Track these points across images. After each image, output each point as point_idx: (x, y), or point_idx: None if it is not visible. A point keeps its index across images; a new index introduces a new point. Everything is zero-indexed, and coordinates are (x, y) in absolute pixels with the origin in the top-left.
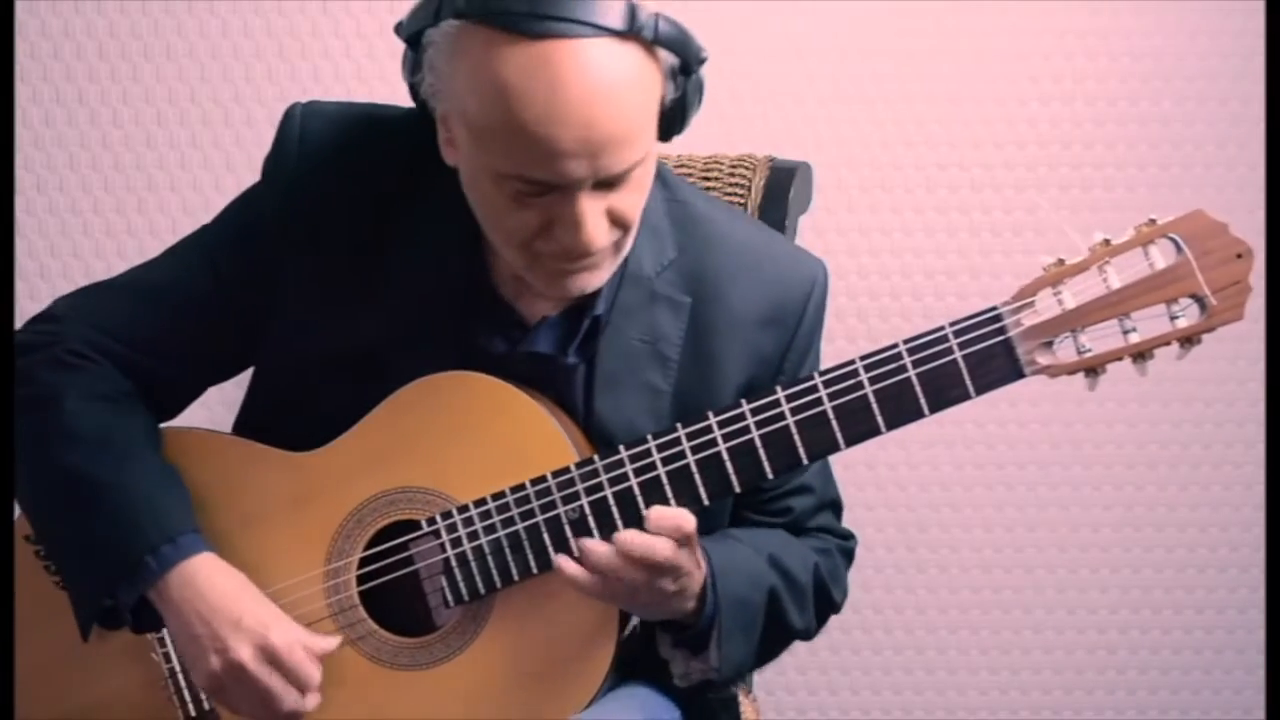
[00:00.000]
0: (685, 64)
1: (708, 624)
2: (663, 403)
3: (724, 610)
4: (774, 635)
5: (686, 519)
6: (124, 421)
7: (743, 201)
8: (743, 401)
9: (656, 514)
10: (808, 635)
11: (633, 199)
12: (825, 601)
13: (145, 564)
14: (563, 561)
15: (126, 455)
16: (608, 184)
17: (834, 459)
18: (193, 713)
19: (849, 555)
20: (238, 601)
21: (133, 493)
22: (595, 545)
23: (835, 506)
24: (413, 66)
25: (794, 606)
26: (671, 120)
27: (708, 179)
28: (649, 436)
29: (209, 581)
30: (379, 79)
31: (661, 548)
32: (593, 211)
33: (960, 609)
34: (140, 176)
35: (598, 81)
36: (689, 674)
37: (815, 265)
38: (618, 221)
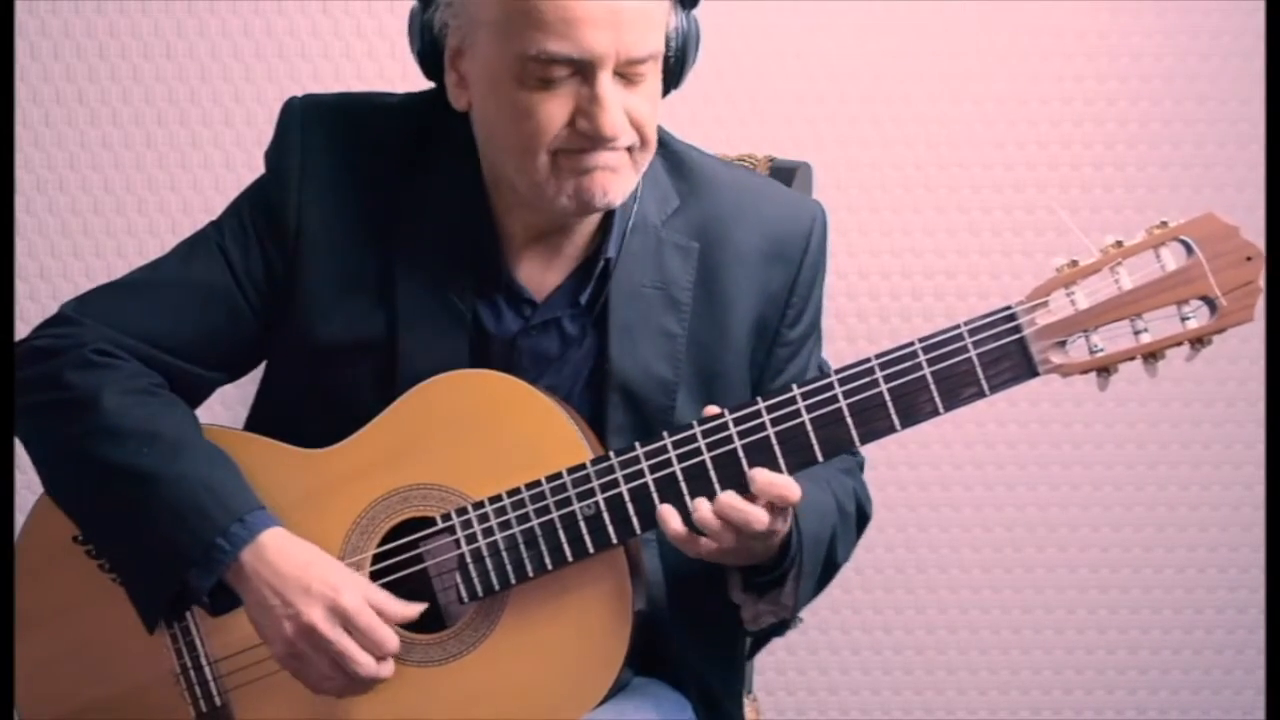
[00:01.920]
0: None
1: (790, 565)
2: (678, 346)
3: (805, 551)
4: (828, 569)
5: (792, 490)
6: (167, 412)
7: None
8: (759, 399)
9: (764, 480)
10: (842, 565)
11: (646, 105)
12: (862, 522)
13: (217, 546)
14: (666, 513)
15: (178, 445)
16: (625, 77)
17: None
18: (204, 709)
19: (862, 469)
20: (307, 568)
21: (191, 480)
22: (700, 504)
23: None
24: (422, 12)
25: (843, 540)
26: (670, 70)
27: None
28: (664, 434)
29: (279, 553)
30: (379, 79)
31: (758, 518)
32: (614, 98)
33: (960, 609)
34: (140, 176)
35: None
36: (759, 616)
37: (813, 204)
38: (633, 124)
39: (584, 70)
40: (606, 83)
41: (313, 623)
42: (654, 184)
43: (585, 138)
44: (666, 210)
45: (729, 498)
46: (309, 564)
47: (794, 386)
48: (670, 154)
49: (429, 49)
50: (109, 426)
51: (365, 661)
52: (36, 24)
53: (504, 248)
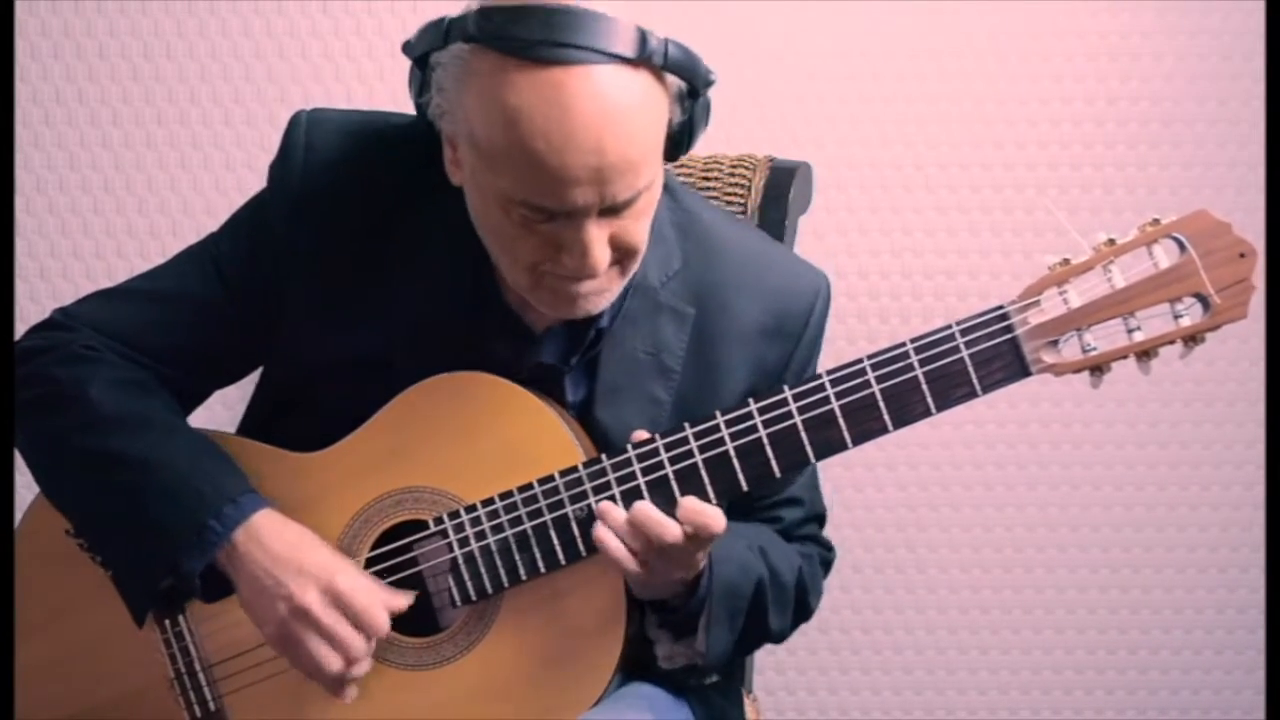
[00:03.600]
0: (693, 88)
1: (698, 608)
2: (663, 413)
3: (715, 597)
4: (753, 630)
5: (717, 521)
6: (155, 401)
7: (743, 201)
8: (750, 401)
9: (689, 507)
10: (780, 638)
11: (637, 226)
12: (801, 607)
13: (209, 528)
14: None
15: (167, 431)
16: (613, 210)
17: (832, 459)
18: (199, 713)
19: (828, 566)
20: (300, 549)
21: (181, 464)
22: (613, 510)
23: (821, 519)
24: (420, 86)
25: (775, 605)
26: (678, 142)
27: (708, 179)
28: (656, 436)
29: (272, 534)
30: (379, 79)
31: (672, 532)
32: (599, 238)
33: (960, 609)
34: (140, 176)
35: (608, 108)
36: (673, 657)
37: (819, 277)
38: (620, 248)
39: (568, 214)
40: (590, 228)
41: (307, 604)
42: (659, 241)
43: (567, 270)
44: (668, 271)
45: (644, 508)
46: (300, 545)
47: (785, 388)
48: (680, 210)
49: (425, 110)
50: (97, 416)
51: (357, 643)
52: (36, 24)
53: (501, 279)
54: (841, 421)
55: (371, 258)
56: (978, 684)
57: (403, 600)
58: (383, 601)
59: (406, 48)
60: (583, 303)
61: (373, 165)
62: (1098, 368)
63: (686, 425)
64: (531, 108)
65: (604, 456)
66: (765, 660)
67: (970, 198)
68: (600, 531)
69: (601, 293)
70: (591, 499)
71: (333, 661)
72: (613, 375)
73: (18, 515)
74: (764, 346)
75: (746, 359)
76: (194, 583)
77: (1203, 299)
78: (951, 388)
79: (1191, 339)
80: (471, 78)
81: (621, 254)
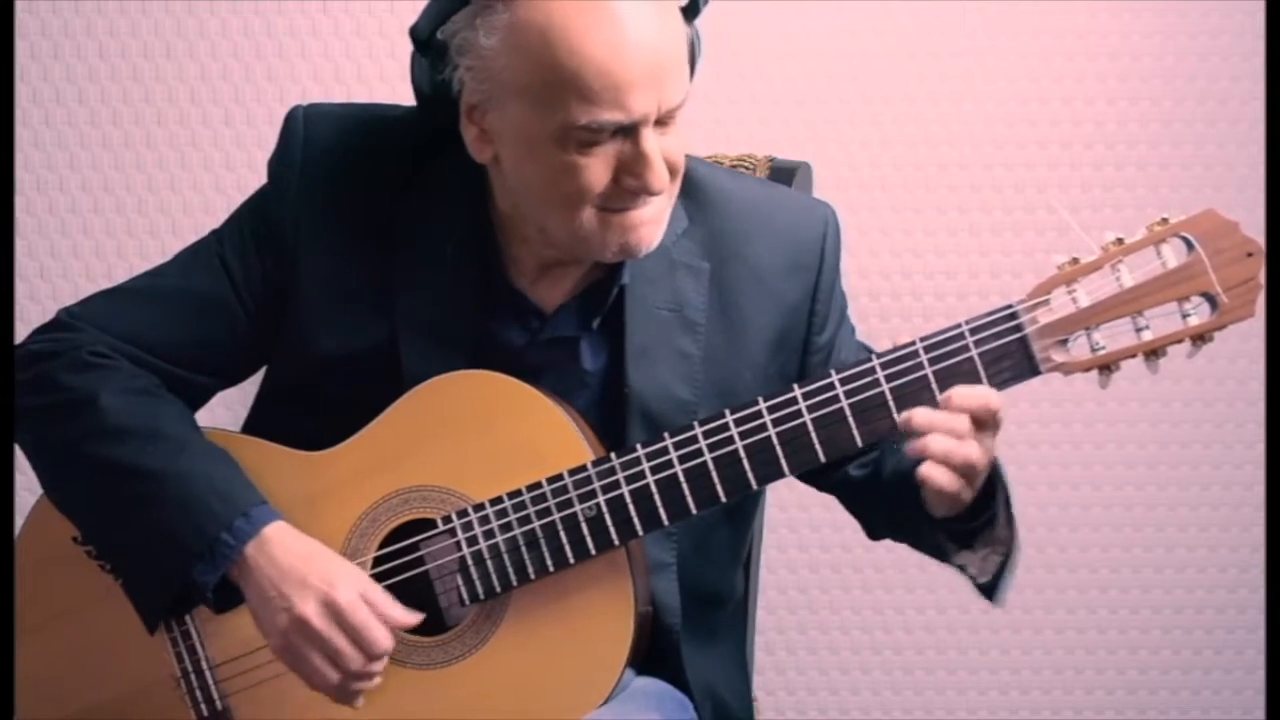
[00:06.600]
0: (693, 4)
1: (997, 492)
2: (695, 367)
3: (1001, 473)
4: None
5: (993, 397)
6: (166, 410)
7: None
8: (759, 399)
9: (959, 393)
10: None
11: (678, 142)
12: None
13: (222, 541)
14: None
15: (179, 442)
16: (661, 124)
17: None
18: (204, 713)
19: None
20: (307, 562)
21: (194, 476)
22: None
23: None
24: (431, 67)
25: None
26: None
27: None
28: (665, 435)
29: (281, 547)
30: (379, 79)
31: (995, 399)
32: (657, 152)
33: (960, 609)
34: (140, 176)
35: (649, 10)
36: (985, 562)
37: (823, 206)
38: (670, 168)
39: (627, 129)
40: (650, 138)
41: (305, 616)
42: None
43: (630, 193)
44: (676, 230)
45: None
46: (309, 557)
47: (795, 387)
48: None
49: (436, 96)
50: (108, 425)
51: (354, 658)
52: (36, 24)
53: (507, 262)
54: (851, 420)
55: (375, 247)
56: (978, 684)
57: (408, 618)
58: (387, 616)
59: (414, 31)
60: (646, 232)
61: (372, 155)
62: (1106, 367)
63: (696, 424)
64: (582, 24)
65: (613, 456)
66: (765, 660)
67: (970, 198)
68: (916, 415)
69: (659, 221)
70: (600, 498)
71: (330, 674)
72: (640, 336)
73: (19, 516)
74: (784, 285)
75: (769, 303)
76: (206, 594)
77: (1210, 298)
78: None
79: (1199, 338)
80: (502, 23)
81: (671, 173)
